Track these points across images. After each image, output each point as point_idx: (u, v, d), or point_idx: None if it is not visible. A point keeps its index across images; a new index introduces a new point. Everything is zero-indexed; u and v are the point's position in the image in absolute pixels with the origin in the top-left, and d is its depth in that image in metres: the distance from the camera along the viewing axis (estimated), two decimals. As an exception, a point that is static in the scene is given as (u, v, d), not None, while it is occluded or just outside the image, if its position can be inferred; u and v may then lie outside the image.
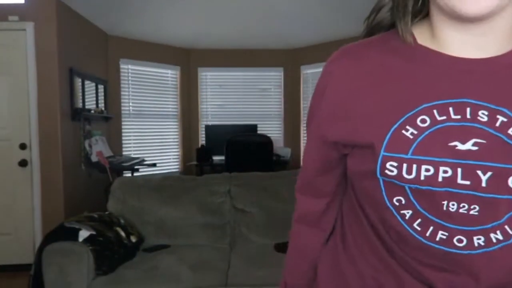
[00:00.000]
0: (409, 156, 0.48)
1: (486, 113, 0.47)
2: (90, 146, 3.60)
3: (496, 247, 0.48)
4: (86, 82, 3.77)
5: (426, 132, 0.48)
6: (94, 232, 1.98)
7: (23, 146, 3.14)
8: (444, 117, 0.48)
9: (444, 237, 0.49)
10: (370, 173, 0.52)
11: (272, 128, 5.31)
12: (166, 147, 5.08)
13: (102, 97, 4.21)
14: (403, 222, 0.51)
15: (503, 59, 0.48)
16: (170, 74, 5.11)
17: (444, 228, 0.49)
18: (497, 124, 0.47)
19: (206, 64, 5.30)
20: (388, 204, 0.52)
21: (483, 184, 0.46)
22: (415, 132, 0.48)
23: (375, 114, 0.51)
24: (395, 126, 0.49)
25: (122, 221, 2.29)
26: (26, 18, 3.12)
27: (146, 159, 4.38)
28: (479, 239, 0.48)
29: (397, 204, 0.51)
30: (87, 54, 3.87)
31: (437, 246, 0.50)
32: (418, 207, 0.49)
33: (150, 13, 4.13)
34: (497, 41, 0.48)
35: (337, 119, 0.55)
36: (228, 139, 4.03)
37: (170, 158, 5.12)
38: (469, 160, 0.46)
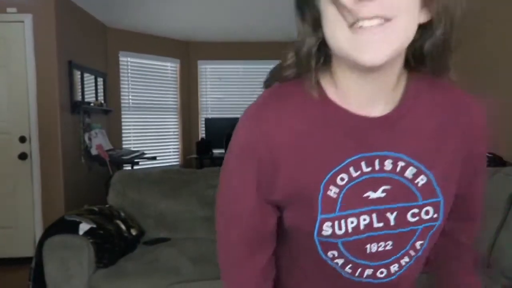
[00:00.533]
0: (337, 214, 0.55)
1: (390, 161, 0.55)
2: (89, 139, 3.60)
3: (404, 268, 0.60)
4: (85, 75, 3.75)
5: (346, 189, 0.55)
6: (94, 225, 1.98)
7: (22, 139, 3.13)
8: (359, 172, 0.55)
9: (370, 273, 0.59)
10: (307, 233, 0.57)
11: None
12: (166, 140, 5.08)
13: (102, 90, 4.19)
14: (336, 267, 0.60)
15: (396, 113, 0.55)
16: (169, 67, 5.08)
17: (370, 267, 0.59)
18: (398, 169, 0.55)
19: (206, 57, 5.27)
20: (323, 256, 0.59)
21: (392, 223, 0.56)
22: (337, 190, 0.55)
23: (298, 174, 0.55)
24: (321, 190, 0.54)
25: (122, 214, 2.30)
26: (24, 10, 3.09)
27: (146, 152, 4.38)
28: (394, 267, 0.60)
29: (331, 256, 0.58)
30: (86, 47, 3.85)
31: (365, 280, 0.60)
32: (349, 256, 0.58)
33: (149, 5, 4.10)
34: (388, 92, 0.54)
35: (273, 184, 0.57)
36: (228, 132, 4.02)
37: (170, 151, 5.12)
38: (380, 205, 0.55)
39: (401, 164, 0.55)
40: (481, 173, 0.65)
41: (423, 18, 0.50)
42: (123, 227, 2.15)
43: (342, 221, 0.55)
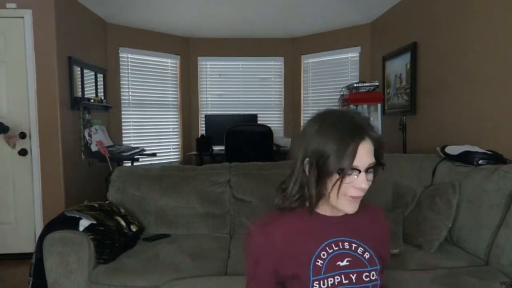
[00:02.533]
0: (322, 276, 0.92)
1: (347, 244, 0.96)
2: (89, 135, 3.60)
3: None
4: (85, 71, 3.74)
5: (327, 260, 0.93)
6: (94, 221, 1.98)
7: (22, 135, 3.13)
8: (332, 250, 0.94)
9: None
10: None
11: (272, 118, 5.30)
12: (166, 136, 5.08)
13: (102, 86, 4.18)
14: None
15: (353, 214, 0.94)
16: (169, 63, 5.07)
17: None
18: (353, 248, 0.96)
19: (206, 53, 5.26)
20: None
21: (354, 281, 0.93)
22: (322, 261, 0.93)
23: (298, 256, 0.93)
24: (312, 262, 0.93)
25: (122, 210, 2.30)
26: (24, 5, 3.08)
27: (146, 148, 4.38)
28: None
29: None
30: (86, 43, 3.84)
31: None
32: None
33: (149, 1, 4.08)
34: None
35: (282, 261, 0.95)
36: (228, 129, 4.02)
37: (170, 148, 5.12)
38: (346, 270, 0.93)
39: (354, 245, 0.96)
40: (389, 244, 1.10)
41: None
42: (123, 223, 2.16)
43: (325, 280, 0.91)
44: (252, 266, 0.96)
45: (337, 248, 0.94)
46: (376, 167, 0.89)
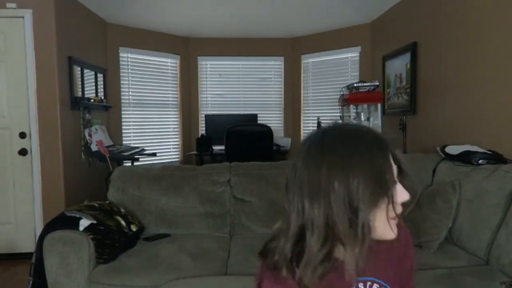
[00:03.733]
0: None
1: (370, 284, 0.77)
2: (90, 135, 3.60)
3: None
4: (85, 70, 3.74)
5: None
6: (94, 221, 1.98)
7: (22, 135, 3.13)
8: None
9: None
10: None
11: (272, 118, 5.30)
12: (166, 136, 5.08)
13: (102, 86, 4.18)
14: None
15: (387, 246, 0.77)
16: (169, 63, 5.07)
17: None
18: None
19: (206, 53, 5.26)
20: None
21: None
22: None
23: None
24: None
25: (122, 210, 2.30)
26: (24, 5, 3.08)
27: (146, 148, 4.38)
28: None
29: None
30: (86, 42, 3.83)
31: None
32: None
33: (149, 0, 4.08)
34: None
35: None
36: (228, 129, 4.02)
37: (170, 148, 5.12)
38: None
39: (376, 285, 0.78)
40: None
41: None
42: (123, 223, 2.16)
43: None
44: None
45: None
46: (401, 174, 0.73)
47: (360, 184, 0.65)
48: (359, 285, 0.74)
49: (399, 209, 0.69)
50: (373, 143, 0.69)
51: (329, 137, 0.70)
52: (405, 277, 0.85)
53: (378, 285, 0.76)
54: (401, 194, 0.69)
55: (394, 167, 0.70)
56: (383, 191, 0.66)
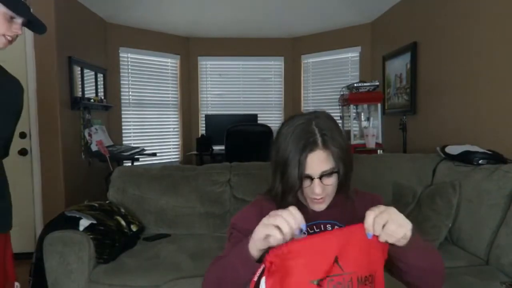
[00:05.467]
0: None
1: (330, 226, 1.02)
2: (90, 135, 3.60)
3: None
4: (85, 70, 3.74)
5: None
6: (94, 221, 1.98)
7: (22, 135, 3.13)
8: (313, 231, 1.02)
9: None
10: None
11: (272, 118, 5.30)
12: (166, 136, 5.08)
13: (102, 86, 4.18)
14: None
15: (343, 203, 1.05)
16: (170, 63, 5.07)
17: None
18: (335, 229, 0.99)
19: (206, 53, 5.26)
20: None
21: None
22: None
23: None
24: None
25: (122, 210, 2.30)
26: (24, 5, 3.08)
27: (146, 148, 4.38)
28: None
29: None
30: (86, 42, 3.84)
31: None
32: None
33: (150, 0, 4.08)
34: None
35: None
36: (228, 129, 4.02)
37: (170, 148, 5.12)
38: None
39: (336, 227, 1.01)
40: None
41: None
42: (123, 223, 2.16)
43: None
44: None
45: (318, 230, 0.99)
46: (338, 171, 0.93)
47: (278, 165, 1.00)
48: (323, 226, 1.00)
49: (313, 195, 0.95)
50: (297, 141, 0.94)
51: (285, 121, 1.03)
52: None
53: (338, 227, 0.99)
54: (312, 188, 0.95)
55: (316, 165, 0.92)
56: (288, 178, 0.95)
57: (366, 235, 0.76)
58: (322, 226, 1.01)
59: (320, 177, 0.93)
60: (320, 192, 0.94)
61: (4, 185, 1.46)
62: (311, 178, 0.93)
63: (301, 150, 0.92)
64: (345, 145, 0.96)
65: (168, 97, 5.08)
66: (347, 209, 1.04)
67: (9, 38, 1.30)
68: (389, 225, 0.75)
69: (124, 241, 2.06)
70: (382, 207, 0.78)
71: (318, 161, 0.92)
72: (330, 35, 4.86)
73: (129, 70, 4.65)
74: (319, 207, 0.98)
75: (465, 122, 2.70)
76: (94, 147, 3.53)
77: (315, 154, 0.92)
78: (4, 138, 1.42)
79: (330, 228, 1.00)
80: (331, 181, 0.95)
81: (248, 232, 0.84)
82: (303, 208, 0.97)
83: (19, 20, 1.30)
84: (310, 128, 0.94)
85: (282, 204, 0.94)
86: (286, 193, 0.98)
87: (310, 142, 0.92)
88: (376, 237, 0.76)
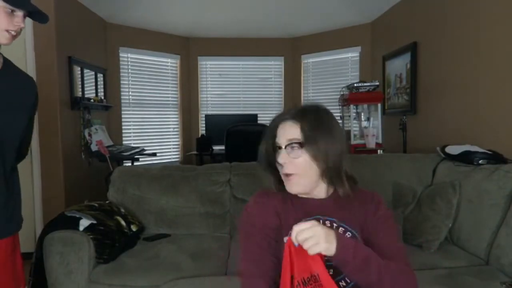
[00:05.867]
0: None
1: (328, 223, 1.03)
2: (90, 135, 3.60)
3: None
4: (85, 70, 3.74)
5: None
6: (94, 221, 1.98)
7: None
8: None
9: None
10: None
11: (272, 118, 5.29)
12: (166, 136, 5.08)
13: (102, 86, 4.18)
14: None
15: (339, 197, 1.05)
16: (170, 63, 5.07)
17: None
18: (333, 228, 1.01)
19: (206, 53, 5.26)
20: None
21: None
22: None
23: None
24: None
25: (122, 210, 2.30)
26: (24, 5, 3.07)
27: (146, 148, 4.38)
28: None
29: None
30: (86, 42, 3.84)
31: None
32: None
33: (150, 0, 4.08)
34: (320, 193, 1.07)
35: None
36: (228, 129, 4.02)
37: (170, 148, 5.12)
38: None
39: (335, 225, 1.02)
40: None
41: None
42: (123, 223, 2.16)
43: None
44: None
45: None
46: (302, 143, 0.98)
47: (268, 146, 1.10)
48: (322, 223, 0.99)
49: (281, 169, 1.01)
50: (275, 117, 1.09)
51: None
52: (368, 230, 1.03)
53: (336, 225, 1.02)
54: (278, 157, 1.01)
55: (282, 135, 1.01)
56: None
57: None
58: (321, 221, 1.02)
59: (285, 147, 0.99)
60: (285, 161, 0.99)
61: (19, 184, 1.45)
62: (280, 148, 1.01)
63: (275, 122, 1.05)
64: (328, 132, 1.01)
65: (168, 97, 5.08)
66: (345, 206, 1.05)
67: (12, 32, 1.29)
68: (308, 241, 0.82)
69: (124, 241, 2.06)
70: (308, 224, 0.84)
71: (285, 131, 1.01)
72: (330, 35, 4.86)
73: (129, 70, 4.65)
74: (291, 187, 1.01)
75: (465, 122, 2.70)
76: (94, 147, 3.53)
77: (286, 123, 1.02)
78: (25, 140, 1.42)
79: (328, 226, 1.01)
80: (298, 154, 0.99)
81: (265, 226, 0.99)
82: (302, 200, 1.05)
83: (20, 13, 1.28)
84: (293, 107, 1.07)
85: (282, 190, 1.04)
86: (269, 170, 1.08)
87: (284, 114, 1.04)
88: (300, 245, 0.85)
